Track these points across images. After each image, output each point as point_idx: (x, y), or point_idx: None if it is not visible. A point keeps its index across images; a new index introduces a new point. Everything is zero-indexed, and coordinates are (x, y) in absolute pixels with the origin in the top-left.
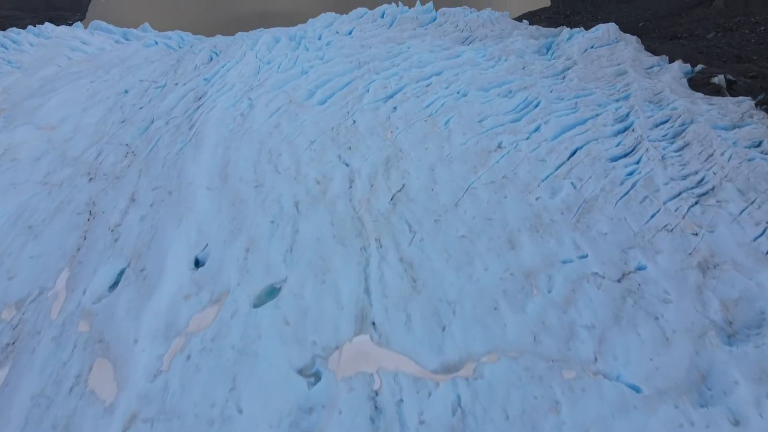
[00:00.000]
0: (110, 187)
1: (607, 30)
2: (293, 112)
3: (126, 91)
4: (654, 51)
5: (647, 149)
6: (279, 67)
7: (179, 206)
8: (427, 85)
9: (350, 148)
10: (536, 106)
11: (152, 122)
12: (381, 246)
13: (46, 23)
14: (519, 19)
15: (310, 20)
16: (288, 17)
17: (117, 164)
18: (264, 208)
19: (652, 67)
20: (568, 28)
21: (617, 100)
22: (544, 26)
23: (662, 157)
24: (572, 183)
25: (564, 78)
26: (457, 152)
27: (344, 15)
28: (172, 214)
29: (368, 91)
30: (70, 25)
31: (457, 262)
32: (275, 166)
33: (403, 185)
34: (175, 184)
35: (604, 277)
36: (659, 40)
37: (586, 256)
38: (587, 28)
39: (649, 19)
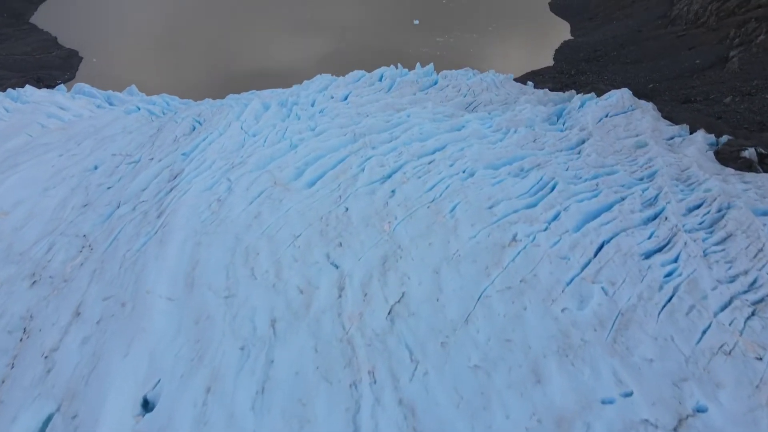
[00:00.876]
0: (54, 294)
1: (621, 97)
2: (277, 197)
3: (95, 167)
4: (672, 118)
5: (685, 243)
6: (265, 141)
7: (131, 324)
8: (430, 163)
9: (341, 244)
10: (553, 188)
11: (118, 206)
12: (375, 381)
13: (27, 86)
14: (523, 79)
15: (305, 82)
16: (284, 77)
17: (68, 262)
18: (233, 328)
19: (673, 138)
20: (579, 94)
21: (642, 179)
22: (548, 86)
23: (704, 252)
24: (603, 288)
25: (580, 152)
26: (465, 248)
27: (341, 77)
28: (122, 336)
29: (363, 170)
30: (54, 87)
31: (471, 406)
32: (251, 270)
33: (403, 294)
34: (131, 293)
35: (657, 427)
36: (672, 103)
37: (631, 393)
38: (594, 89)
39: (659, 81)
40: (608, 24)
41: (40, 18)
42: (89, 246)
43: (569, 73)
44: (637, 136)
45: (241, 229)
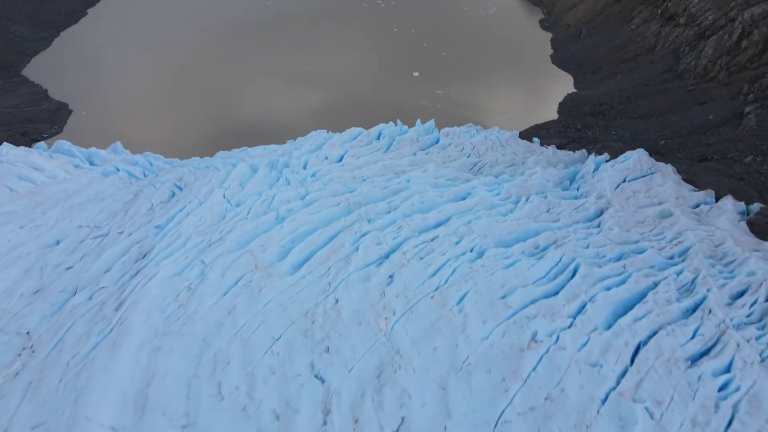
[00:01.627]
0: None
1: (638, 159)
2: (256, 285)
3: (57, 242)
4: (693, 182)
5: (738, 345)
6: (249, 212)
7: None
8: (433, 239)
9: (328, 349)
10: (574, 271)
11: (74, 293)
12: None
13: (4, 144)
14: (527, 134)
15: (300, 139)
16: (279, 131)
17: (2, 370)
18: None
19: (698, 206)
20: (592, 155)
21: (672, 258)
22: (554, 142)
23: (761, 357)
24: (647, 409)
25: (600, 224)
26: (477, 354)
27: (337, 134)
28: None
29: (357, 249)
30: (40, 141)
31: None
32: (218, 386)
33: (403, 419)
34: (67, 421)
35: None
36: (688, 161)
37: None
38: (605, 147)
39: (671, 137)
40: (612, 77)
41: (32, 70)
42: (31, 347)
43: (575, 128)
44: (659, 204)
45: (211, 330)
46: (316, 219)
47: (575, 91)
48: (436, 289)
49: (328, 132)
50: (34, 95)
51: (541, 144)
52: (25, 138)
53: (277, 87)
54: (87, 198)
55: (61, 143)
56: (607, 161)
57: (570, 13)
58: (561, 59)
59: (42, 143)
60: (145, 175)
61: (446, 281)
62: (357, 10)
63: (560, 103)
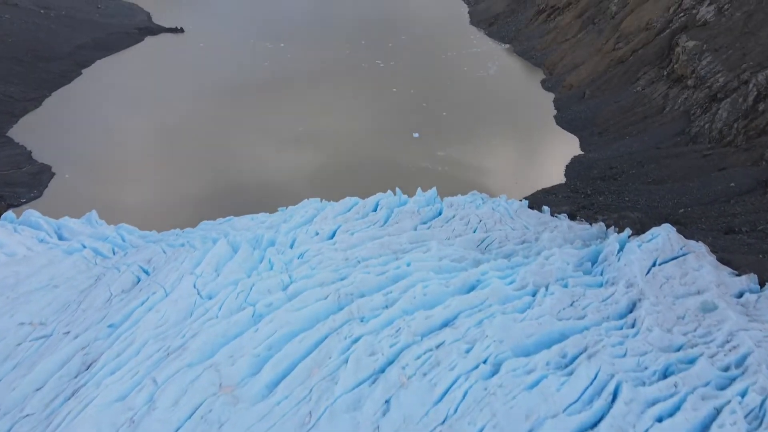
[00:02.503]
0: None
1: (667, 238)
2: (216, 417)
3: None
4: (729, 262)
5: None
6: (221, 307)
7: None
8: (438, 346)
9: None
10: (615, 393)
11: None
12: None
13: None
14: (534, 199)
15: (291, 208)
16: (272, 194)
17: None
18: None
19: (742, 294)
20: (613, 231)
21: (729, 370)
22: (564, 210)
23: None
24: None
25: (635, 323)
26: None
27: (331, 204)
28: None
29: (347, 361)
30: (17, 206)
31: None
32: None
33: None
34: None
35: None
36: (713, 233)
37: None
38: (619, 215)
39: (690, 205)
40: (621, 139)
41: (18, 131)
42: None
43: (585, 193)
44: (698, 293)
45: None
46: (299, 318)
47: (582, 153)
48: (443, 422)
49: (321, 200)
50: (17, 157)
51: (552, 213)
52: (1, 203)
53: (272, 149)
54: (39, 285)
55: (30, 213)
56: (629, 237)
57: (572, 75)
58: (565, 120)
59: (9, 213)
60: (114, 253)
61: (456, 409)
62: (355, 69)
63: (567, 166)
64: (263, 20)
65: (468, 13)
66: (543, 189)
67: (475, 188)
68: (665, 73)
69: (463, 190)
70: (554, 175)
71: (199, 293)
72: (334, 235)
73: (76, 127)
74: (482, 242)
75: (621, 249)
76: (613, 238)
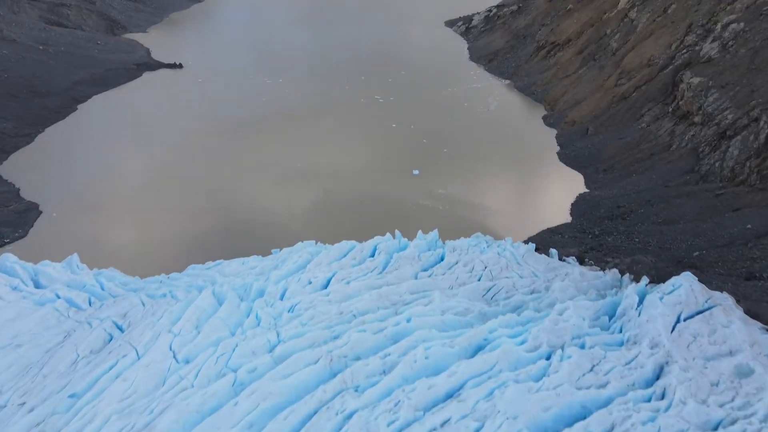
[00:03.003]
0: None
1: (690, 289)
2: None
3: None
4: (758, 315)
5: None
6: (198, 375)
7: None
8: (443, 424)
9: None
10: None
11: None
12: None
13: None
14: (540, 239)
15: (285, 251)
16: (267, 235)
17: None
18: None
19: None
20: (629, 280)
21: None
22: (573, 252)
23: None
24: None
25: (665, 395)
26: None
27: (326, 248)
28: None
29: None
30: (2, 245)
31: None
32: None
33: None
34: None
35: None
36: (732, 279)
37: None
38: (633, 259)
39: (705, 248)
40: (627, 177)
41: (7, 167)
42: None
43: (592, 233)
44: (731, 353)
45: None
46: (285, 387)
47: (587, 191)
48: None
49: (317, 243)
50: (4, 195)
51: (560, 257)
52: None
53: (267, 186)
54: (0, 343)
55: (6, 258)
56: (648, 286)
57: (574, 110)
58: (569, 157)
59: None
60: (90, 304)
61: None
62: (354, 105)
63: (573, 204)
64: (263, 56)
65: (467, 49)
66: (548, 229)
67: (477, 227)
68: (670, 109)
69: (466, 230)
70: (559, 213)
71: (174, 356)
72: (328, 283)
73: (67, 164)
74: (488, 291)
75: (641, 301)
76: (631, 289)
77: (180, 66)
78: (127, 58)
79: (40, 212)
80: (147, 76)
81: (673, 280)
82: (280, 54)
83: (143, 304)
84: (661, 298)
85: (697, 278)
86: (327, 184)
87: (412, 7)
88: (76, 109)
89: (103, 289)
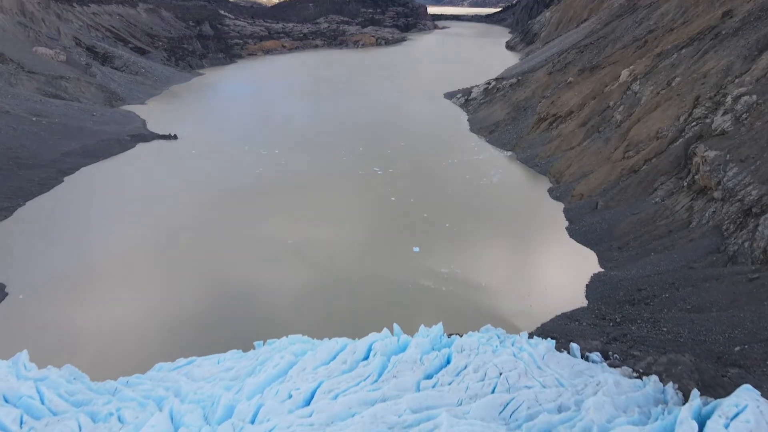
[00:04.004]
0: None
1: (758, 411)
2: None
3: None
4: None
5: None
6: None
7: None
8: None
9: None
10: None
11: None
12: None
13: None
14: (554, 326)
15: (267, 348)
16: (249, 327)
17: None
18: None
19: None
20: (675, 391)
21: None
22: (595, 342)
23: None
24: None
25: None
26: None
27: (315, 343)
28: None
29: None
30: None
31: None
32: None
33: None
34: None
35: None
36: None
37: None
38: (669, 359)
39: (746, 342)
40: (645, 256)
41: None
42: None
43: (613, 320)
44: None
45: None
46: None
47: (602, 270)
48: None
49: (304, 336)
50: None
51: (582, 353)
52: None
53: (258, 265)
54: None
55: None
56: (700, 397)
57: (581, 183)
58: (579, 233)
59: None
60: (21, 424)
61: None
62: (352, 177)
63: (587, 286)
64: (260, 127)
65: (467, 120)
66: (563, 314)
67: (484, 313)
68: (685, 183)
69: (472, 315)
70: (574, 295)
71: None
72: (312, 398)
73: (43, 240)
74: (505, 408)
75: (700, 429)
76: (685, 412)
77: (175, 137)
78: (122, 129)
79: (6, 294)
80: (140, 147)
81: (735, 397)
82: (278, 126)
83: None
84: (726, 425)
85: (759, 393)
86: (321, 262)
87: (410, 80)
88: (62, 181)
89: (42, 402)
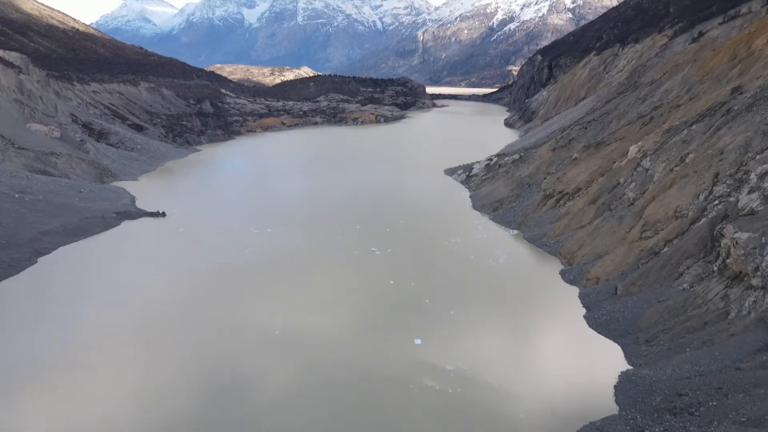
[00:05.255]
0: None
1: None
2: None
3: None
4: None
5: None
6: None
7: None
8: None
9: None
10: None
11: None
12: None
13: None
14: None
15: None
16: None
17: None
18: None
19: None
20: None
21: None
22: None
23: None
24: None
25: None
26: None
27: None
28: None
29: None
30: None
31: None
32: None
33: None
34: None
35: None
36: None
37: None
38: None
39: None
40: (679, 352)
41: None
42: None
43: None
44: None
45: None
46: None
47: (630, 368)
48: None
49: None
50: None
51: None
52: None
53: (241, 358)
54: None
55: None
56: None
57: (596, 266)
58: (599, 322)
59: None
60: None
61: None
62: (348, 258)
63: (616, 388)
64: (253, 204)
65: (470, 197)
66: (592, 424)
67: (497, 419)
68: (715, 268)
69: (484, 423)
70: (602, 399)
71: None
72: None
73: (2, 330)
74: None
75: None
76: None
77: (163, 214)
78: (109, 206)
79: None
80: (125, 225)
81: None
82: (272, 202)
83: None
84: None
85: None
86: (311, 357)
87: (409, 156)
88: (36, 262)
89: None
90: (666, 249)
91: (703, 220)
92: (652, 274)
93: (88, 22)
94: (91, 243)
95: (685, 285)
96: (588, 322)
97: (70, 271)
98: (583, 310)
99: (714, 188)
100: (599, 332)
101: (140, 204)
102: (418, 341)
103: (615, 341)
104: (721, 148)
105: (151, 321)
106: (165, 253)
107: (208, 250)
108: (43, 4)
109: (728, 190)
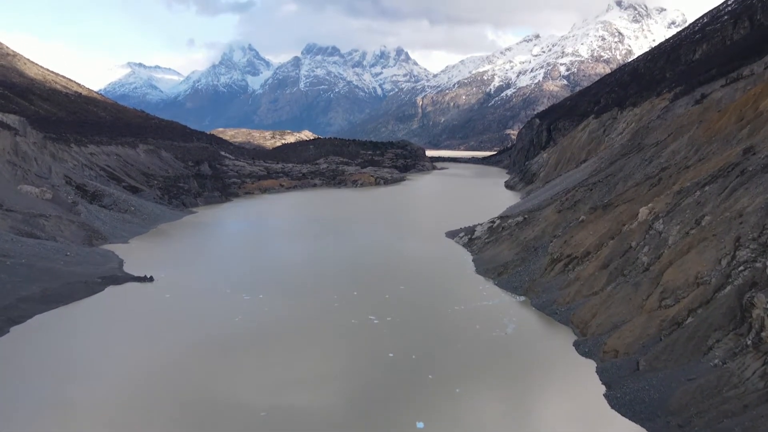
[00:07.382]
0: None
1: None
2: None
3: None
4: None
5: None
6: None
7: None
8: None
9: None
10: None
11: None
12: None
13: None
14: None
15: None
16: None
17: None
18: None
19: None
20: None
21: None
22: None
23: None
24: None
25: None
26: None
27: None
28: None
29: None
30: None
31: None
32: None
33: None
34: None
35: None
36: None
37: None
38: None
39: None
40: None
41: None
42: None
43: None
44: None
45: None
46: None
47: None
48: None
49: None
50: None
51: None
52: None
53: (229, 418)
54: None
55: None
56: None
57: (613, 337)
58: (622, 402)
59: None
60: None
61: None
62: (344, 327)
63: None
64: (245, 269)
65: (473, 261)
66: None
67: None
68: (749, 342)
69: None
70: None
71: None
72: None
73: None
74: None
75: None
76: None
77: (150, 279)
78: (94, 270)
79: None
80: (110, 290)
81: None
82: (266, 267)
83: None
84: None
85: None
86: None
87: (409, 219)
88: (8, 331)
89: None
90: (690, 319)
91: (729, 287)
92: (677, 348)
93: (96, 89)
94: (69, 310)
95: (716, 361)
96: (609, 402)
97: (43, 341)
98: (603, 388)
99: (737, 253)
100: (623, 414)
101: (128, 268)
102: (420, 425)
103: (642, 425)
104: (740, 211)
105: (121, 400)
106: (148, 322)
107: (195, 318)
108: (48, 70)
109: (753, 255)
